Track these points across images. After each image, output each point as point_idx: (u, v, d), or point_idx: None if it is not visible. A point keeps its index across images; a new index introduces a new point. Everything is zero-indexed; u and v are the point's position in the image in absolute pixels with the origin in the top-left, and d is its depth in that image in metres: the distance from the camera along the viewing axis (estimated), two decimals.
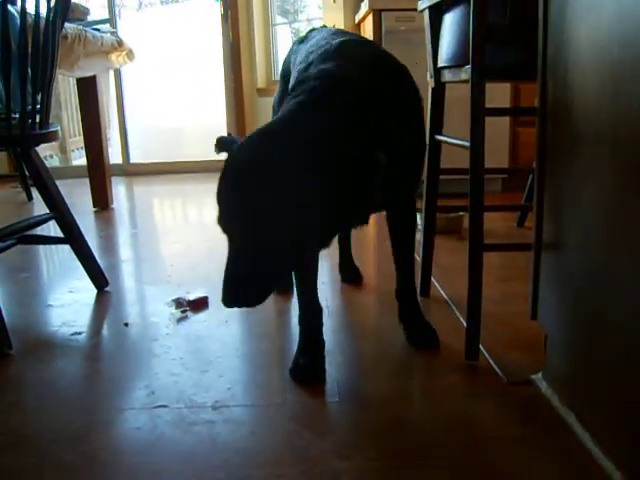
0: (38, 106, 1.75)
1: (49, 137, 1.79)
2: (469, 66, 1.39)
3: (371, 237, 2.69)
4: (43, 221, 1.87)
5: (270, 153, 1.10)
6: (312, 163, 1.08)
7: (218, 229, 1.12)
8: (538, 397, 1.28)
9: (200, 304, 1.80)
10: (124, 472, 1.08)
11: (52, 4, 1.69)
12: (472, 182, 1.40)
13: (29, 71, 1.66)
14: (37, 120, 1.73)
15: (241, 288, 1.12)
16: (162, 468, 1.08)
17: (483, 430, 1.19)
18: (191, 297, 1.81)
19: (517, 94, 3.32)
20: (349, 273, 2.06)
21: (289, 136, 1.11)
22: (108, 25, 3.63)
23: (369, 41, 1.61)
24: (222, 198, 1.12)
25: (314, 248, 1.22)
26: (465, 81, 1.47)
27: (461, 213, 2.60)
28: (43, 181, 1.86)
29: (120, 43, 3.23)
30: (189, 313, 1.77)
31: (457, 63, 1.50)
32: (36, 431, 1.22)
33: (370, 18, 3.42)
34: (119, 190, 4.12)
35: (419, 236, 2.58)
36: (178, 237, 2.82)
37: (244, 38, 4.62)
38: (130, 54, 3.39)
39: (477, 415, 1.25)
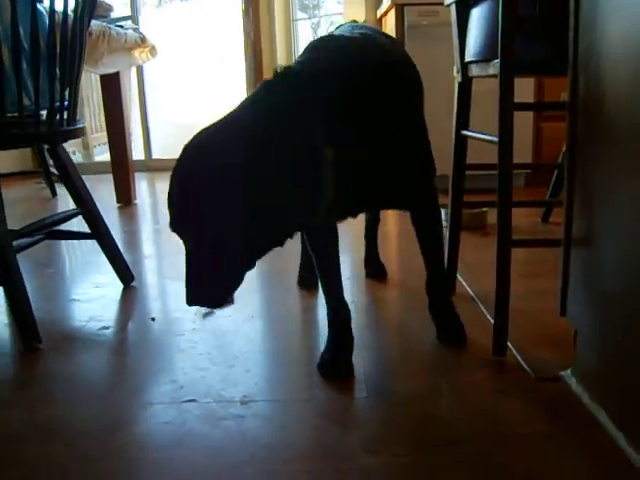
0: (65, 103, 1.76)
1: (76, 133, 1.80)
2: (497, 60, 1.38)
3: (396, 233, 2.68)
4: (70, 216, 1.89)
5: (210, 153, 1.10)
6: (250, 162, 1.07)
7: None
8: (567, 394, 1.27)
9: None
10: (153, 466, 1.09)
11: (80, 1, 1.70)
12: (501, 178, 1.39)
13: (57, 68, 1.67)
14: (65, 117, 1.74)
15: (201, 288, 1.13)
16: (191, 463, 1.09)
17: (511, 426, 1.18)
18: None
19: (541, 89, 3.29)
20: (374, 269, 2.05)
21: (230, 135, 1.11)
22: (130, 22, 3.65)
23: (378, 34, 1.53)
24: (170, 201, 1.11)
25: (266, 247, 1.17)
26: (493, 76, 1.45)
27: (485, 209, 2.58)
28: (70, 177, 1.88)
29: (143, 39, 3.25)
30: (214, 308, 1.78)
31: (485, 57, 1.49)
32: (64, 425, 1.23)
33: (392, 13, 3.41)
34: (141, 186, 4.14)
35: (444, 231, 2.58)
36: None
37: (265, 33, 4.63)
38: (153, 50, 3.41)
39: (505, 411, 1.24)
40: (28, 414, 1.26)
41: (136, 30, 3.29)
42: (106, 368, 1.50)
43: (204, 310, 1.77)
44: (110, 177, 3.46)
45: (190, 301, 1.12)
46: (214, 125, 1.14)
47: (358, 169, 1.22)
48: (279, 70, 1.19)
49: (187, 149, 1.12)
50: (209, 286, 1.13)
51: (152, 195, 4.03)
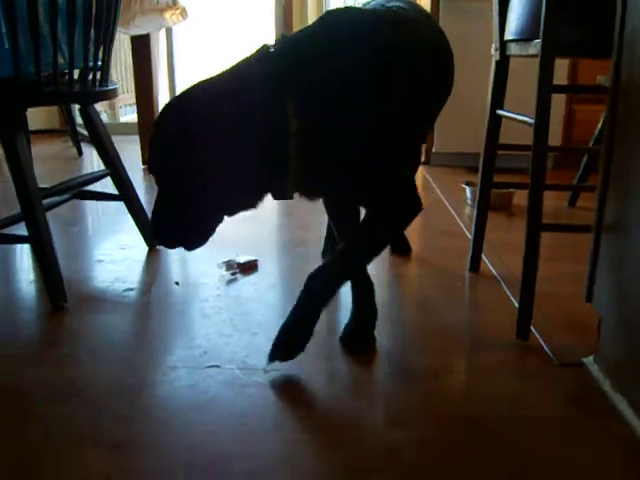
0: (99, 63, 1.76)
1: (108, 94, 1.80)
2: (539, 40, 1.35)
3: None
4: (99, 177, 1.90)
5: (186, 112, 1.18)
6: (215, 127, 1.14)
7: None
8: (589, 380, 1.27)
9: (250, 267, 1.82)
10: (178, 429, 1.10)
11: None
12: (535, 160, 1.38)
13: (92, 29, 1.66)
14: (97, 77, 1.74)
15: (164, 229, 1.25)
16: (216, 428, 1.10)
17: (530, 409, 1.19)
18: (241, 260, 1.83)
19: (575, 70, 3.23)
20: (399, 244, 2.03)
21: (204, 97, 1.18)
22: None
23: (412, 10, 1.43)
24: (150, 147, 1.22)
25: (233, 207, 1.25)
26: (532, 56, 1.43)
27: (512, 190, 2.56)
28: (100, 138, 1.89)
29: (174, 1, 3.22)
30: (239, 275, 1.79)
31: (526, 37, 1.46)
32: (91, 384, 1.25)
33: None
34: None
35: (468, 210, 2.57)
36: None
37: (297, 4, 4.57)
38: (184, 12, 3.38)
39: (525, 394, 1.25)
40: (57, 371, 1.29)
41: None
42: (131, 330, 1.52)
43: (228, 277, 1.78)
44: (134, 138, 3.46)
45: (153, 237, 1.27)
46: (199, 84, 1.21)
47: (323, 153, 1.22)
48: (262, 47, 1.21)
49: (171, 102, 1.22)
50: (174, 229, 1.25)
51: None
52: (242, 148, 1.15)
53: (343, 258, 1.30)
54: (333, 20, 1.29)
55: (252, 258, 1.85)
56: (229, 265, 1.83)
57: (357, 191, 1.31)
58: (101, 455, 1.03)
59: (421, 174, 3.30)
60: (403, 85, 1.25)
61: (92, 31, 1.66)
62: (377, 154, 1.25)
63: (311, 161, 1.20)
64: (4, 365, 1.33)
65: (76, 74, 1.69)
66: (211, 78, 1.20)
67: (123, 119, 5.56)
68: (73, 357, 1.36)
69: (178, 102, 1.21)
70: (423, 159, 3.61)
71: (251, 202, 1.24)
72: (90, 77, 1.71)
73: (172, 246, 1.30)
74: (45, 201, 1.65)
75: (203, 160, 1.15)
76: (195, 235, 1.27)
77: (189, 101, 1.20)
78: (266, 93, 1.15)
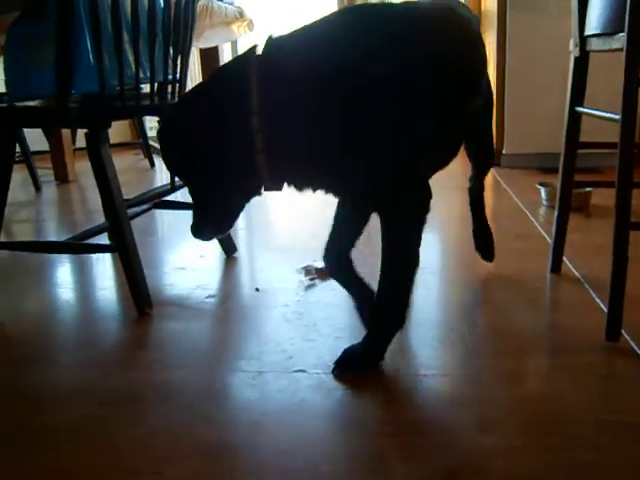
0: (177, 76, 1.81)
1: None
2: (623, 34, 1.32)
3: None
4: (178, 187, 1.95)
5: (187, 118, 1.28)
6: (198, 138, 1.25)
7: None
8: None
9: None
10: (268, 432, 1.12)
11: None
12: (622, 157, 1.34)
13: (170, 44, 1.71)
14: (176, 90, 1.79)
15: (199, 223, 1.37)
16: (305, 431, 1.11)
17: (626, 413, 1.15)
18: (319, 265, 1.84)
19: None
20: (481, 244, 1.89)
21: (197, 106, 1.28)
22: None
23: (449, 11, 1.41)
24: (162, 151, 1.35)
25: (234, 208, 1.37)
26: (616, 50, 1.39)
27: (589, 189, 2.50)
28: None
29: (242, 14, 3.28)
30: (317, 281, 1.81)
31: (609, 31, 1.43)
32: (181, 388, 1.28)
33: None
34: None
35: (543, 211, 2.52)
36: (295, 204, 2.86)
37: None
38: (250, 24, 3.44)
39: (616, 398, 1.21)
40: (147, 376, 1.33)
41: (233, 4, 3.33)
42: (216, 335, 1.55)
43: (306, 282, 1.80)
44: None
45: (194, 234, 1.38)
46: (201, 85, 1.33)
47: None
48: (248, 51, 1.26)
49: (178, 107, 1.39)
50: (205, 222, 1.37)
51: None
52: (224, 148, 1.24)
53: (391, 287, 1.30)
54: (316, 30, 1.25)
55: None
56: (307, 271, 1.85)
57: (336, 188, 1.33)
58: (199, 457, 1.05)
59: (492, 176, 3.25)
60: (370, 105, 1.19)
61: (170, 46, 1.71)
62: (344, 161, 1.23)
63: (278, 156, 1.24)
64: (95, 369, 1.37)
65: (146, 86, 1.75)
66: (202, 84, 1.33)
67: None
68: (162, 362, 1.40)
69: (176, 115, 1.34)
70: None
71: (249, 191, 1.34)
72: (170, 90, 1.76)
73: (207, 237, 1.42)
74: (128, 211, 1.71)
75: (200, 159, 1.27)
76: (220, 222, 1.39)
77: (182, 114, 1.31)
78: (235, 108, 1.21)
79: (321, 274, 1.83)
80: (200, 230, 1.38)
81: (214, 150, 1.25)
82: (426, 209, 1.27)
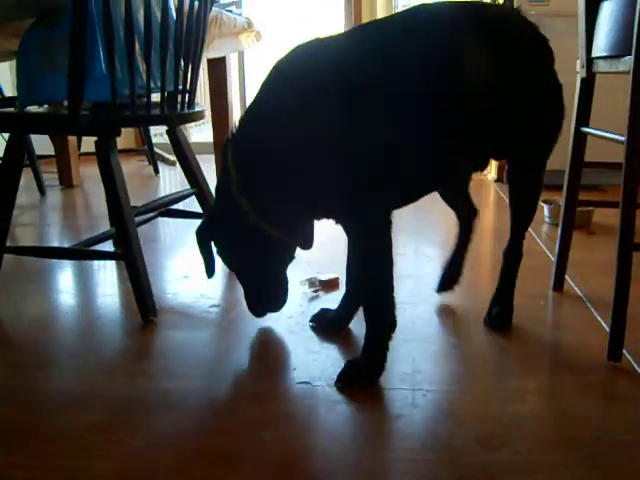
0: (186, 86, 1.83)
1: (195, 116, 1.86)
2: (630, 57, 1.34)
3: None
4: (186, 196, 1.97)
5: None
6: None
7: None
8: None
9: (332, 285, 1.85)
10: (274, 443, 1.13)
11: None
12: (626, 178, 1.35)
13: (182, 53, 1.73)
14: (186, 100, 1.81)
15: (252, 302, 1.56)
16: (310, 443, 1.12)
17: (628, 432, 1.15)
18: (323, 277, 1.86)
19: None
20: (498, 316, 1.63)
21: None
22: (235, 6, 3.72)
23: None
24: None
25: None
26: (622, 72, 1.41)
27: (591, 208, 2.51)
28: (187, 158, 1.96)
29: (250, 24, 3.30)
30: (321, 293, 1.82)
31: (616, 53, 1.44)
32: (186, 397, 1.29)
33: (501, 1, 3.34)
34: None
35: (546, 229, 2.53)
36: None
37: (367, 20, 4.62)
38: (258, 35, 3.46)
39: (620, 416, 1.22)
40: (152, 384, 1.34)
41: (241, 15, 3.35)
42: (220, 345, 1.56)
43: (310, 294, 1.81)
44: (205, 157, 3.55)
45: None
46: None
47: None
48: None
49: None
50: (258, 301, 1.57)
51: None
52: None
53: (368, 296, 1.37)
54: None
55: (334, 276, 1.87)
56: (311, 282, 1.86)
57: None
58: (203, 467, 1.06)
59: (495, 192, 3.27)
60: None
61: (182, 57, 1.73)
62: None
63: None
64: (100, 376, 1.38)
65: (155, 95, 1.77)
66: None
67: (194, 139, 5.70)
68: (166, 371, 1.41)
69: None
70: (496, 177, 3.58)
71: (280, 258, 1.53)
72: (179, 100, 1.77)
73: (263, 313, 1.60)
74: (135, 219, 1.72)
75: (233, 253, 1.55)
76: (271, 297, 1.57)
77: None
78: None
79: (325, 286, 1.84)
80: (256, 310, 1.58)
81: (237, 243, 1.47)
82: (382, 233, 1.32)
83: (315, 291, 1.82)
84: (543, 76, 1.46)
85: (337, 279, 1.86)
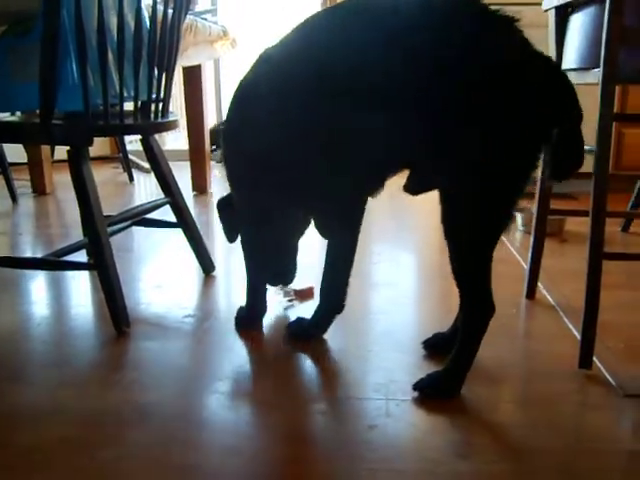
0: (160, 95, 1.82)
1: (170, 126, 1.86)
2: (599, 69, 1.36)
3: None
4: (160, 205, 1.95)
5: None
6: None
7: None
8: None
9: (306, 294, 1.85)
10: (247, 455, 1.12)
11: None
12: (596, 190, 1.38)
13: (155, 64, 1.72)
14: (159, 109, 1.80)
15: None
16: (280, 455, 1.12)
17: (596, 442, 1.17)
18: (297, 287, 1.86)
19: (625, 94, 3.22)
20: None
21: None
22: (210, 14, 3.72)
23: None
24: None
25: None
26: (592, 84, 1.44)
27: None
28: (160, 167, 1.95)
29: (225, 32, 3.30)
30: (295, 302, 1.82)
31: (585, 66, 1.47)
32: (159, 409, 1.28)
33: None
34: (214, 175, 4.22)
35: (519, 237, 2.56)
36: None
37: None
38: (233, 43, 3.46)
39: (590, 426, 1.23)
40: (125, 396, 1.32)
41: (216, 23, 3.35)
42: (193, 356, 1.55)
43: (285, 303, 1.81)
44: (180, 164, 3.55)
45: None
46: None
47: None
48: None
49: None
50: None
51: (226, 185, 4.09)
52: None
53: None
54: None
55: (308, 285, 1.87)
56: (286, 292, 1.86)
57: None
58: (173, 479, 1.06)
59: None
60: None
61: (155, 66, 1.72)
62: None
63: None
64: (72, 389, 1.37)
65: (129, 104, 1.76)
66: None
67: (168, 146, 5.67)
68: (139, 382, 1.39)
69: None
70: None
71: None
72: (152, 109, 1.77)
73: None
74: (108, 229, 1.70)
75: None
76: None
77: None
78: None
79: (300, 295, 1.84)
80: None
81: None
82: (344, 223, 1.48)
83: (290, 300, 1.82)
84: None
85: (312, 288, 1.86)
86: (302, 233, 1.67)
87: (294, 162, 1.38)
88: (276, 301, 1.83)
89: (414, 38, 1.17)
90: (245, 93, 1.44)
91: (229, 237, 1.68)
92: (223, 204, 1.68)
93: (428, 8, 1.19)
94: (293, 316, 1.67)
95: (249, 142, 1.44)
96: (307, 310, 1.72)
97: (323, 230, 1.54)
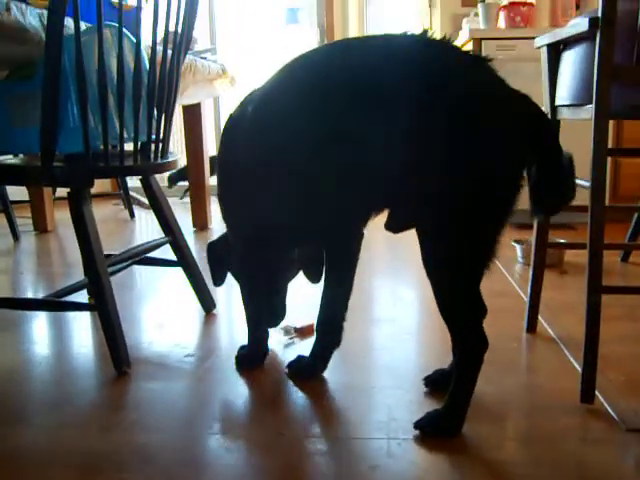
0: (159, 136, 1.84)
1: (169, 166, 1.88)
2: (591, 106, 1.38)
3: None
4: (160, 245, 1.96)
5: None
6: None
7: None
8: None
9: (307, 331, 1.85)
10: None
11: (178, 39, 1.78)
12: (592, 224, 1.39)
13: (155, 105, 1.75)
14: (159, 150, 1.82)
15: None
16: None
17: (600, 478, 1.16)
18: (298, 324, 1.86)
19: (620, 127, 3.25)
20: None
21: None
22: (210, 53, 3.78)
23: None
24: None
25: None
26: (585, 120, 1.46)
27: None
28: (160, 206, 1.96)
29: (224, 71, 3.35)
30: (296, 340, 1.82)
31: (578, 102, 1.49)
32: (160, 452, 1.27)
33: (470, 46, 3.43)
34: (214, 210, 4.24)
35: (519, 269, 2.56)
36: None
37: None
38: (232, 81, 3.51)
39: (593, 462, 1.22)
40: (126, 437, 1.32)
41: (215, 61, 3.40)
42: (194, 396, 1.54)
43: (286, 341, 1.81)
44: (178, 201, 3.57)
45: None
46: None
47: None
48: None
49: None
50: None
51: None
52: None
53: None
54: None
55: (309, 323, 1.87)
56: (286, 330, 1.86)
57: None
58: None
59: None
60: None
61: (155, 107, 1.74)
62: None
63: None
64: (73, 429, 1.36)
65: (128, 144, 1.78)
66: None
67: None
68: (140, 424, 1.39)
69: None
70: None
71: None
72: (152, 150, 1.79)
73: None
74: (109, 268, 1.71)
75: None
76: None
77: None
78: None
79: (300, 333, 1.84)
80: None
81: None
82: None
83: (290, 338, 1.82)
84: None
85: (312, 325, 1.86)
86: (294, 275, 1.70)
87: (278, 196, 1.42)
88: (277, 339, 1.83)
89: (386, 82, 1.21)
90: (231, 131, 1.57)
91: (215, 280, 1.71)
92: (213, 248, 1.69)
93: (403, 53, 1.23)
94: (294, 354, 1.67)
95: (236, 181, 1.52)
96: (308, 347, 1.72)
97: (312, 276, 1.72)
